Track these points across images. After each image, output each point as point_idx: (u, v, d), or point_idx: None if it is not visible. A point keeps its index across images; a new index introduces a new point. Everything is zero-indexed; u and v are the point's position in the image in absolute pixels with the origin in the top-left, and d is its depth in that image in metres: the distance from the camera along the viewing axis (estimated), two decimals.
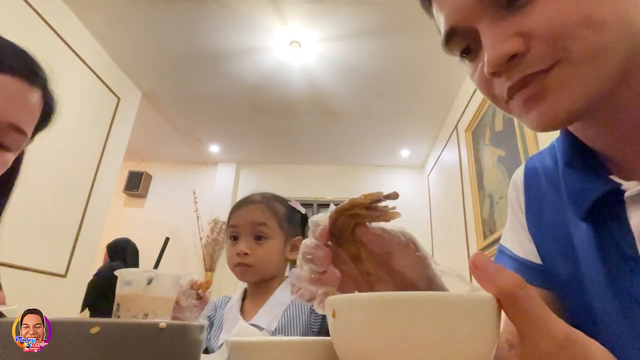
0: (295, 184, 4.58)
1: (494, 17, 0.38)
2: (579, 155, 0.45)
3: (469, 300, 0.25)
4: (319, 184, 4.63)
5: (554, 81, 0.36)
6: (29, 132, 0.61)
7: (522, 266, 0.56)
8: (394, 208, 0.36)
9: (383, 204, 0.35)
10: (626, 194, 0.39)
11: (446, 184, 3.70)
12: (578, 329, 0.36)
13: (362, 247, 0.38)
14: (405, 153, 4.37)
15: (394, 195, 0.35)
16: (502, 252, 0.59)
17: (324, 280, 0.37)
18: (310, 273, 0.37)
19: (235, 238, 0.94)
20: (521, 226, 0.56)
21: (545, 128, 0.38)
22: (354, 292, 0.38)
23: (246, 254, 0.90)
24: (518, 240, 0.57)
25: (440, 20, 0.44)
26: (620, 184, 0.39)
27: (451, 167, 3.48)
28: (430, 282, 0.39)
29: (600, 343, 0.35)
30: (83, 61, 2.64)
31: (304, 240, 0.38)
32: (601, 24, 0.34)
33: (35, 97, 0.61)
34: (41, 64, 0.63)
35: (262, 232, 0.93)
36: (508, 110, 0.41)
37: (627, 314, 0.39)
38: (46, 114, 0.65)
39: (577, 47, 0.34)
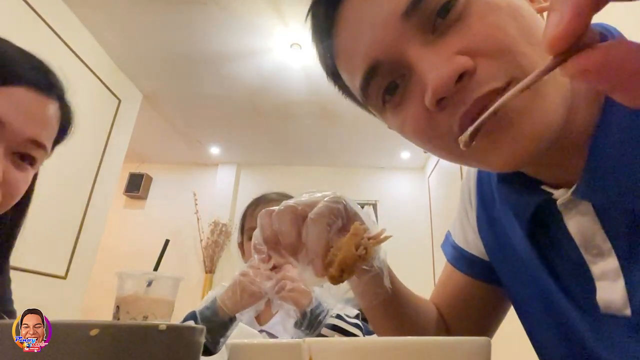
0: (295, 186, 4.53)
1: (423, 43, 0.33)
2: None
3: (438, 345, 0.25)
4: (319, 185, 4.57)
5: (516, 103, 0.30)
6: (49, 146, 0.59)
7: (466, 259, 0.56)
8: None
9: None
10: (558, 203, 0.38)
11: (447, 186, 3.70)
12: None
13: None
14: (405, 155, 4.37)
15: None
16: (448, 239, 0.60)
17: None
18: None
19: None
20: (468, 220, 0.56)
21: (517, 160, 0.33)
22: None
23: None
24: (464, 234, 0.57)
25: (355, 66, 0.38)
26: (551, 194, 0.38)
27: (452, 169, 3.47)
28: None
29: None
30: (84, 63, 2.65)
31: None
32: (538, 42, 0.30)
33: (52, 109, 0.58)
34: (57, 74, 0.61)
35: None
36: (460, 152, 0.31)
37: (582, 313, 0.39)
38: (64, 127, 0.63)
39: (526, 62, 0.30)
